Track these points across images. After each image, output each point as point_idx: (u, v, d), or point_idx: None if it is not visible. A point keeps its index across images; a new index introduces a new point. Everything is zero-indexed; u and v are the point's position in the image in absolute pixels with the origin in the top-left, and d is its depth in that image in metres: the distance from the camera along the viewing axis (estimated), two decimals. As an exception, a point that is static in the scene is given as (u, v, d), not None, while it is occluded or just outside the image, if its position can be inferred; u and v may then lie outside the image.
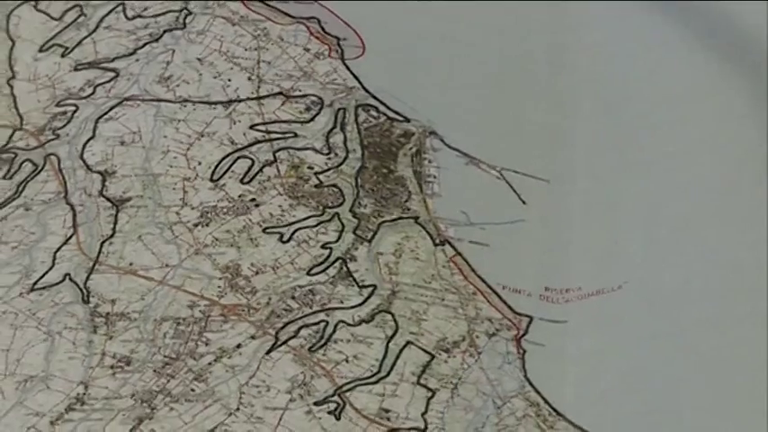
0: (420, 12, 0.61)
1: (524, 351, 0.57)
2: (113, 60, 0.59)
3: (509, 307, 0.57)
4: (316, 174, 0.58)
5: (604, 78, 0.62)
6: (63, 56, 0.58)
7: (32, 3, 0.60)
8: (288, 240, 0.58)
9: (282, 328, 0.57)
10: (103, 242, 0.58)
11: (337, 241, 0.58)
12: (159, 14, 0.59)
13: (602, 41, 0.64)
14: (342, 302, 0.57)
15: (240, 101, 0.59)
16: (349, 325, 0.57)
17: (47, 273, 0.58)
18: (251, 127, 0.59)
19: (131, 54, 0.59)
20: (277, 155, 0.59)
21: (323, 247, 0.58)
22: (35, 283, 0.57)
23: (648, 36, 0.65)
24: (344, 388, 0.56)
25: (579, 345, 0.58)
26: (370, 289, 0.58)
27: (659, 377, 0.58)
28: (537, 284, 0.58)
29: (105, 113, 0.59)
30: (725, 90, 0.65)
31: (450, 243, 0.58)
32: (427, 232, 0.58)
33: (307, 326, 0.57)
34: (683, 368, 0.58)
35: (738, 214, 0.61)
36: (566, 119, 0.59)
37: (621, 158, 0.59)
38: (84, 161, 0.58)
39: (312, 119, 0.59)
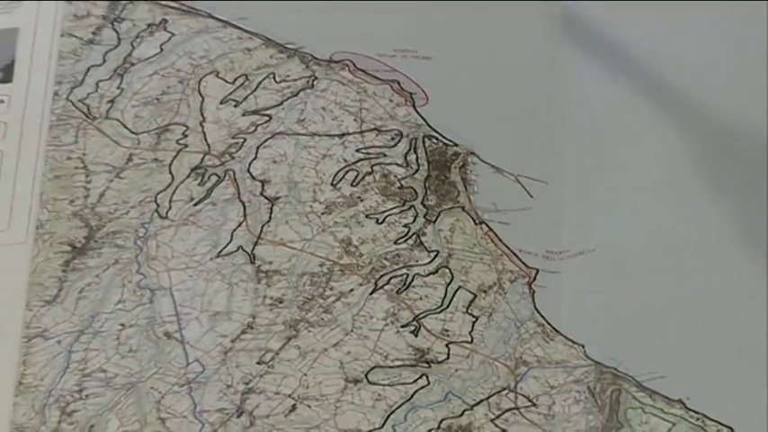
0: (460, 73, 0.67)
1: (534, 291, 0.64)
2: (268, 109, 0.66)
3: (523, 263, 0.64)
4: (398, 180, 0.65)
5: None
6: (235, 106, 0.65)
7: (215, 72, 0.67)
8: (382, 222, 0.65)
9: (379, 278, 0.64)
10: (263, 225, 0.65)
11: (413, 222, 0.65)
12: (297, 79, 0.66)
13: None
14: (417, 261, 0.64)
15: (349, 134, 0.66)
16: (422, 276, 0.64)
17: (227, 245, 0.65)
18: (356, 150, 0.65)
19: (279, 105, 0.66)
20: (373, 168, 0.66)
21: (404, 226, 0.65)
22: (220, 252, 0.64)
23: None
24: (419, 316, 0.63)
25: (568, 287, 0.64)
26: (435, 252, 0.65)
27: (627, 307, 0.64)
28: (540, 248, 0.64)
29: (263, 143, 0.65)
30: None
31: (485, 223, 0.65)
32: (470, 216, 0.65)
33: (395, 277, 0.64)
34: (645, 298, 0.64)
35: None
36: (560, 139, 0.66)
37: (600, 166, 0.66)
38: (250, 173, 0.65)
39: (395, 145, 0.66)
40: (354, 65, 0.68)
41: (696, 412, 0.62)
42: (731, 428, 0.61)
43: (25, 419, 0.61)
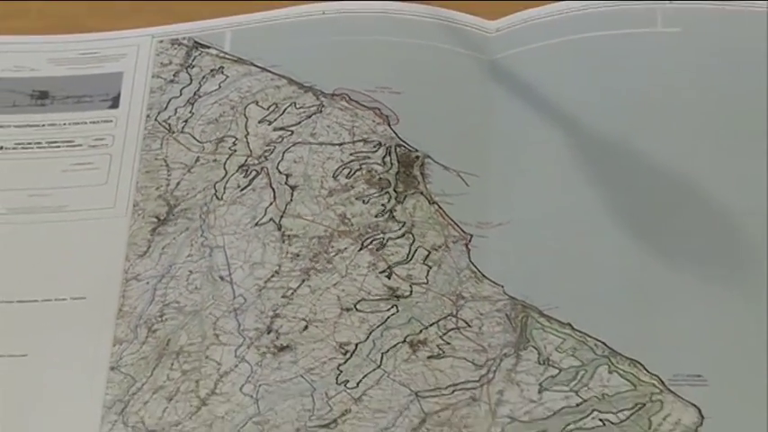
0: (420, 103, 0.67)
1: (469, 249, 0.64)
2: (290, 126, 0.67)
3: (462, 230, 0.65)
4: (378, 174, 0.66)
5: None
6: (269, 125, 0.67)
7: (255, 102, 0.68)
8: (366, 203, 0.66)
9: (364, 240, 0.65)
10: (287, 204, 0.66)
11: (388, 203, 0.65)
12: (310, 106, 0.67)
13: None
14: (390, 229, 0.65)
15: (345, 143, 0.66)
16: (393, 239, 0.65)
17: (262, 218, 0.65)
18: (350, 154, 0.66)
19: (298, 123, 0.67)
20: (361, 166, 0.66)
21: (381, 205, 0.66)
22: (257, 222, 0.65)
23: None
24: (392, 266, 0.64)
25: (492, 246, 0.64)
26: (402, 223, 0.65)
27: (532, 259, 0.63)
28: (474, 221, 0.64)
29: (287, 149, 0.66)
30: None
31: (436, 203, 0.65)
32: (426, 199, 0.65)
33: (375, 239, 0.65)
34: (544, 253, 0.64)
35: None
36: (488, 147, 0.66)
37: (515, 166, 0.65)
38: (278, 169, 0.66)
39: (376, 151, 0.66)
40: (349, 97, 0.69)
41: (580, 332, 0.62)
42: (605, 342, 0.61)
43: (123, 335, 0.63)
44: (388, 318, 0.63)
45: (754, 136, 0.63)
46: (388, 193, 0.66)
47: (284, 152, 0.67)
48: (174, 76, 0.70)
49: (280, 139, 0.68)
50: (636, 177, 0.63)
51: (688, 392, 0.56)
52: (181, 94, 0.70)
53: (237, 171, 0.67)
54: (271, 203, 0.66)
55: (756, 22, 0.66)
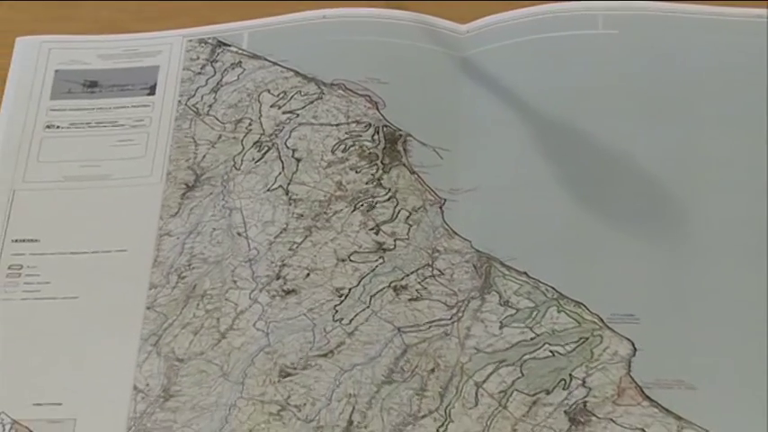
0: (403, 91, 0.65)
1: (443, 211, 0.62)
2: (296, 110, 0.65)
3: (437, 195, 0.63)
4: (368, 149, 0.64)
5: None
6: (279, 109, 0.65)
7: (267, 90, 0.65)
8: (359, 173, 0.64)
9: (357, 203, 0.63)
10: (293, 173, 0.64)
11: (376, 173, 0.64)
12: (313, 94, 0.65)
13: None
14: (378, 194, 0.63)
15: (341, 124, 0.64)
16: (381, 202, 0.63)
17: (273, 184, 0.63)
18: (345, 133, 0.64)
19: (303, 107, 0.65)
20: (355, 142, 0.64)
21: (371, 175, 0.64)
22: (269, 188, 0.63)
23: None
24: (379, 224, 0.62)
25: (462, 208, 0.62)
26: (388, 189, 0.63)
27: (495, 218, 0.62)
28: (447, 187, 0.63)
29: (294, 129, 0.64)
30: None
31: (416, 173, 0.63)
32: (408, 169, 0.64)
33: (365, 203, 0.63)
34: (504, 213, 0.62)
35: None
36: (458, 127, 0.64)
37: (480, 142, 0.63)
38: (286, 145, 0.64)
39: (367, 130, 0.64)
40: (345, 86, 0.67)
41: (534, 278, 0.61)
42: (554, 287, 0.60)
43: (157, 281, 0.61)
44: (376, 267, 0.61)
45: (676, 117, 0.62)
46: (376, 164, 0.64)
47: (291, 131, 0.66)
48: (201, 68, 0.68)
49: (287, 121, 0.66)
50: (579, 152, 0.62)
51: (623, 329, 0.56)
52: (206, 84, 0.68)
53: (252, 146, 0.65)
54: (280, 173, 0.64)
55: (683, 22, 0.67)
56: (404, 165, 0.65)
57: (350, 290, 0.59)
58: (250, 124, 0.67)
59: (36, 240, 0.60)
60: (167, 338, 0.60)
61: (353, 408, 0.57)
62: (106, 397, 0.54)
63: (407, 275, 0.61)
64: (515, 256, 0.60)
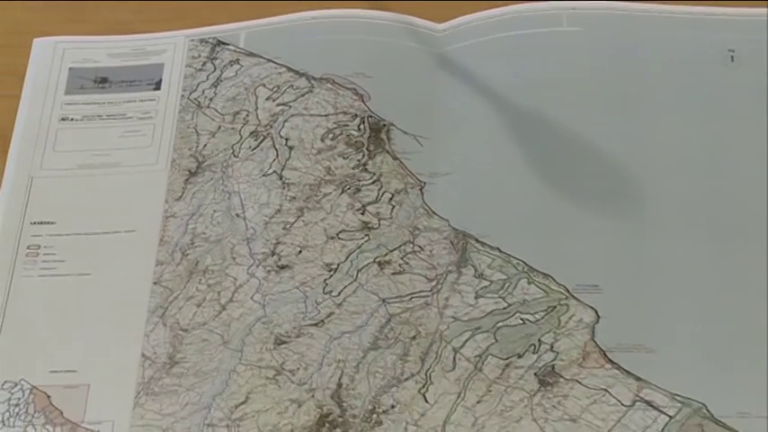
0: (386, 84, 0.63)
1: (423, 193, 0.61)
2: (289, 102, 0.63)
3: (417, 179, 0.62)
4: (355, 137, 0.62)
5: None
6: (273, 101, 0.63)
7: (263, 84, 0.63)
8: (346, 158, 0.62)
9: (345, 186, 0.61)
10: (286, 160, 0.62)
11: (362, 158, 0.62)
12: (304, 87, 0.63)
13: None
14: (364, 178, 0.62)
15: (330, 115, 0.63)
16: (366, 185, 0.61)
17: (268, 170, 0.62)
18: (334, 123, 0.63)
19: (295, 99, 0.63)
20: (342, 131, 0.63)
21: (357, 160, 0.62)
22: (264, 173, 0.61)
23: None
24: (365, 205, 0.61)
25: (440, 190, 0.61)
26: (373, 174, 0.62)
27: (467, 198, 0.60)
28: (426, 171, 0.61)
29: (287, 119, 0.63)
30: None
31: (398, 159, 0.62)
32: (391, 155, 0.62)
33: (352, 185, 0.62)
34: (474, 195, 0.61)
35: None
36: (437, 117, 0.62)
37: (456, 131, 0.62)
38: (280, 134, 0.63)
39: (353, 120, 0.63)
40: (333, 80, 0.65)
41: (506, 253, 0.59)
42: (524, 261, 0.58)
43: (163, 258, 0.60)
44: (362, 244, 0.60)
45: (635, 108, 0.61)
46: (362, 151, 0.63)
47: (284, 122, 0.64)
48: (202, 65, 0.67)
49: (281, 112, 0.65)
50: (547, 139, 0.61)
51: (587, 298, 0.55)
52: (207, 79, 0.66)
53: (249, 136, 0.64)
54: (274, 160, 0.63)
55: (641, 20, 0.66)
56: (387, 151, 0.63)
57: (338, 265, 0.58)
58: (247, 116, 0.65)
59: (52, 223, 0.59)
60: (172, 310, 0.58)
61: (342, 372, 0.56)
62: (117, 364, 0.54)
63: (391, 251, 0.60)
64: (489, 233, 0.59)
